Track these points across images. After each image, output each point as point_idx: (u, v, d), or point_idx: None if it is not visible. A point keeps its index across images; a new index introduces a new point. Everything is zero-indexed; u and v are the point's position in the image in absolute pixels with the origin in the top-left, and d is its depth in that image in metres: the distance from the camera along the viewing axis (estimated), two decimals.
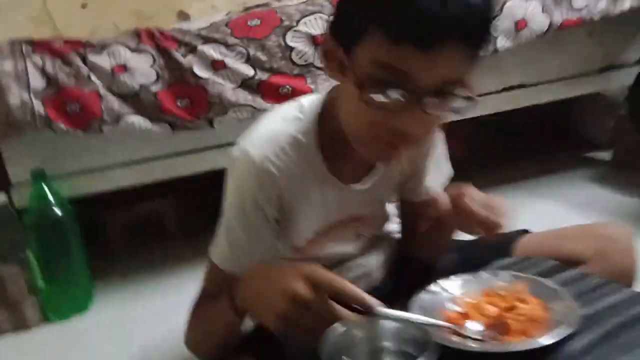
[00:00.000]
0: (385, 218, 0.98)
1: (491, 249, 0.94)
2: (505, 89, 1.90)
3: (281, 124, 0.81)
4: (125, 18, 2.57)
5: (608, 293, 0.76)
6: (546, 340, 0.63)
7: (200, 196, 1.85)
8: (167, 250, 2.07)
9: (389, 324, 0.50)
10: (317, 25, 1.61)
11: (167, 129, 1.59)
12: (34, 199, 1.59)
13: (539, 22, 1.74)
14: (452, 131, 2.25)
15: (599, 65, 1.97)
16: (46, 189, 1.59)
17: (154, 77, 1.55)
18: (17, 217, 1.62)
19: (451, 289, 0.76)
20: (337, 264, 0.92)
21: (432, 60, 0.62)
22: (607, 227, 0.93)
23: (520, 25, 1.73)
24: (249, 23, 1.61)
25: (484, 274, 0.79)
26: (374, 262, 0.96)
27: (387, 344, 0.50)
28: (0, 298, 1.58)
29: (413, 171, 0.91)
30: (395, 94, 0.64)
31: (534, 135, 2.52)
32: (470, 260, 0.90)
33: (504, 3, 1.71)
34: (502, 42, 1.72)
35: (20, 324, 1.62)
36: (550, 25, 1.74)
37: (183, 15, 2.56)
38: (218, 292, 0.77)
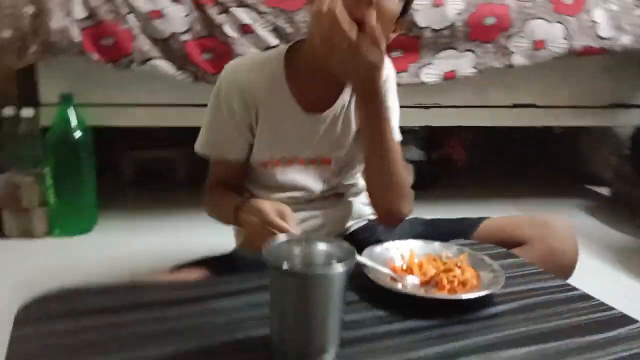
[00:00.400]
0: (350, 169, 1.08)
1: (454, 230, 1.04)
2: (515, 106, 1.97)
3: (259, 52, 1.07)
4: None
5: (538, 279, 0.84)
6: (465, 296, 0.72)
7: None
8: (172, 195, 2.20)
9: (322, 246, 0.60)
10: None
11: (189, 77, 1.69)
12: (58, 120, 1.71)
13: (558, 45, 1.80)
14: (459, 136, 2.35)
15: (609, 100, 2.03)
16: (70, 112, 1.71)
17: (186, 27, 1.66)
18: (40, 134, 1.75)
19: (403, 249, 0.86)
20: (300, 205, 1.03)
21: None
22: (548, 217, 1.05)
23: (538, 45, 1.80)
24: None
25: (436, 244, 0.88)
26: (332, 219, 1.07)
27: (318, 257, 0.59)
28: (14, 203, 1.71)
29: None
30: None
31: (540, 156, 2.58)
32: (432, 236, 1.00)
33: (526, 20, 1.78)
34: (517, 59, 1.80)
35: (26, 232, 1.75)
36: (569, 50, 1.81)
37: None
38: (215, 183, 1.03)
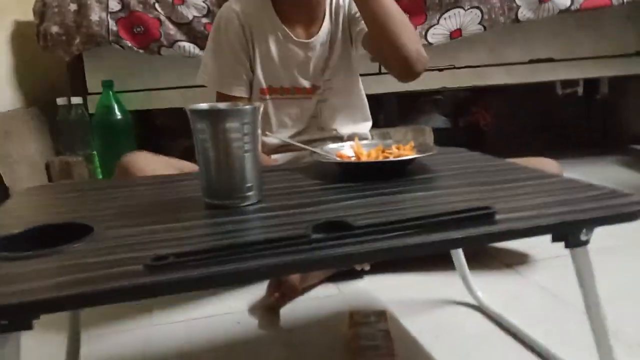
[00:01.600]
0: (334, 95, 1.18)
1: None
2: (532, 61, 1.98)
3: None
4: None
5: (487, 160, 0.89)
6: (390, 159, 0.79)
7: None
8: None
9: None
10: None
11: None
12: (102, 105, 1.93)
13: None
14: (484, 102, 2.35)
15: (635, 48, 1.99)
16: (112, 98, 1.93)
17: (206, 10, 1.83)
18: (88, 119, 1.98)
19: (355, 144, 0.94)
20: (288, 146, 1.13)
21: None
22: (539, 160, 1.06)
23: None
24: None
25: (389, 141, 0.96)
26: None
27: None
28: (66, 180, 1.94)
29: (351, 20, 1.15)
30: None
31: (579, 120, 2.53)
32: None
33: None
34: (523, 13, 1.81)
35: None
36: (572, 2, 1.80)
37: None
38: None
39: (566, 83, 2.51)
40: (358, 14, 1.11)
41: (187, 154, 2.49)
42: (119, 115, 1.93)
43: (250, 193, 0.68)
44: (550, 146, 2.46)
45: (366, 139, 1.26)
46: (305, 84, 1.14)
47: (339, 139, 1.21)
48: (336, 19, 1.15)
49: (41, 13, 1.84)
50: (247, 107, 0.66)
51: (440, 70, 1.98)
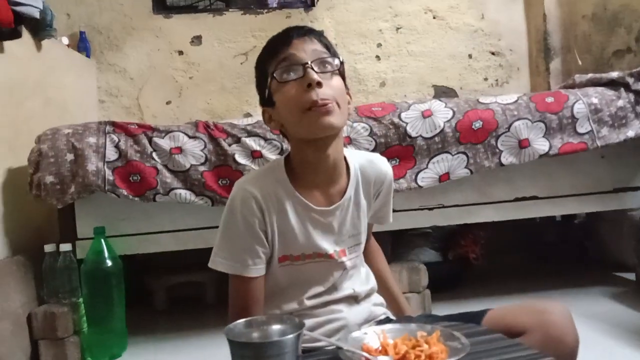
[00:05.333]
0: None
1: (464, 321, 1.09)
2: (517, 199, 2.06)
3: (262, 166, 1.18)
4: (200, 115, 3.03)
5: (512, 351, 0.89)
6: None
7: None
8: (201, 317, 2.29)
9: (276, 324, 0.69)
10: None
11: (207, 202, 1.87)
12: (92, 251, 1.89)
13: (540, 143, 1.93)
14: (473, 235, 2.39)
15: (613, 185, 2.10)
16: (103, 244, 1.89)
17: (203, 159, 1.87)
18: (77, 266, 1.92)
19: (379, 331, 0.93)
20: (318, 308, 1.10)
21: (299, 45, 1.04)
22: (546, 304, 1.07)
23: (523, 144, 1.93)
24: None
25: (412, 325, 0.95)
26: (352, 320, 1.11)
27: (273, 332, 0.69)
28: (50, 332, 1.84)
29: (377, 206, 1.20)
30: (292, 71, 1.03)
31: (561, 247, 2.60)
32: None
33: (512, 123, 1.93)
34: (506, 157, 1.93)
35: None
36: (550, 148, 1.93)
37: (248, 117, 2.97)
38: (237, 309, 1.04)
39: None
40: (385, 204, 1.20)
41: (170, 291, 2.42)
42: (109, 262, 1.89)
43: None
44: (535, 274, 2.51)
45: (380, 300, 1.23)
46: (329, 249, 1.10)
47: (354, 298, 1.17)
48: (365, 189, 1.15)
49: (36, 163, 1.85)
50: (288, 337, 0.65)
51: (430, 209, 2.03)
